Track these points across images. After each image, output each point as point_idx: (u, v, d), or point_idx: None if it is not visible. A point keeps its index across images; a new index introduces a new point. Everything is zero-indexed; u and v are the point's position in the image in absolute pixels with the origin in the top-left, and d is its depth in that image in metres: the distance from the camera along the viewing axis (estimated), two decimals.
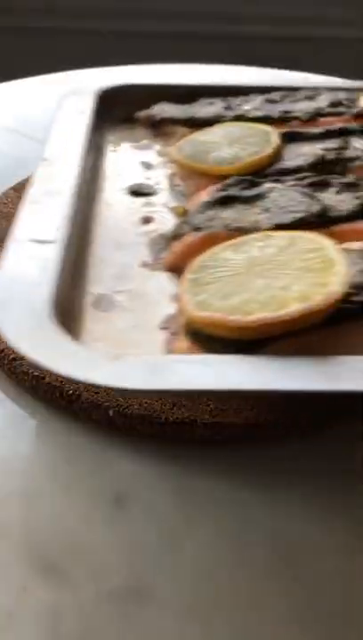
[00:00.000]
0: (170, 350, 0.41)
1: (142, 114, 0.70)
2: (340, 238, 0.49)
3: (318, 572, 0.36)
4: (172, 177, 0.61)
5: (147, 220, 0.55)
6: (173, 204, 0.57)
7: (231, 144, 0.60)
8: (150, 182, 0.61)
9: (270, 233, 0.44)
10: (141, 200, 0.58)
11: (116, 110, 0.70)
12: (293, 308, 0.37)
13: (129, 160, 0.64)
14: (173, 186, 0.60)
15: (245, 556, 0.37)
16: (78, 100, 0.65)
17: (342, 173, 0.57)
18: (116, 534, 0.38)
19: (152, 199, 0.58)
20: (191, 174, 0.59)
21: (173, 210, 0.56)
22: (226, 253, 0.42)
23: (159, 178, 0.61)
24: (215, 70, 0.90)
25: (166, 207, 0.57)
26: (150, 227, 0.54)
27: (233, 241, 0.43)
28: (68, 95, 0.65)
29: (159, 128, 0.69)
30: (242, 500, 0.40)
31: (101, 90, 0.69)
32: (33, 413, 0.44)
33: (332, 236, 0.49)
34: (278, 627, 0.34)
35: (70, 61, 1.01)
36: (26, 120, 0.77)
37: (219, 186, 0.53)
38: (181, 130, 0.67)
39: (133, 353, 0.39)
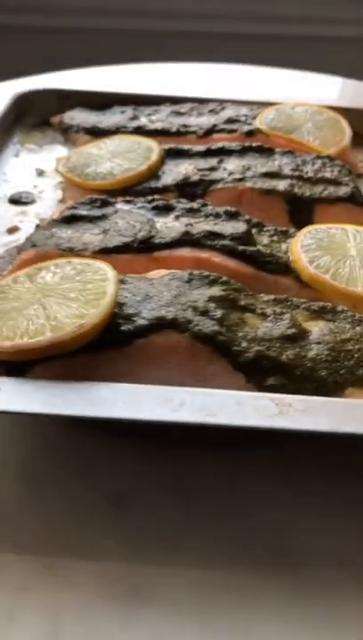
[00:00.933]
0: None
1: (55, 119, 0.74)
2: (161, 264, 0.52)
3: (318, 572, 0.38)
4: (58, 186, 0.65)
5: (12, 230, 0.59)
6: (48, 214, 0.61)
7: (112, 158, 0.64)
8: (35, 191, 0.65)
9: (71, 259, 0.47)
10: (18, 209, 0.62)
11: (31, 114, 0.74)
12: (44, 337, 0.41)
13: (25, 166, 0.68)
14: (56, 195, 0.64)
15: (245, 556, 0.39)
16: None
17: (203, 195, 0.60)
18: (116, 534, 0.39)
19: (28, 208, 0.63)
20: (71, 186, 0.63)
21: (41, 221, 0.60)
22: (24, 278, 0.46)
23: (46, 186, 0.65)
24: (214, 69, 0.92)
25: (38, 218, 0.61)
26: (13, 237, 0.59)
27: (38, 265, 0.47)
28: None
29: (68, 134, 0.73)
30: (242, 499, 0.41)
31: (16, 95, 0.73)
32: None
33: (154, 261, 0.53)
34: (277, 626, 0.36)
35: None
36: None
37: (70, 203, 0.57)
38: (83, 138, 0.71)
39: None
